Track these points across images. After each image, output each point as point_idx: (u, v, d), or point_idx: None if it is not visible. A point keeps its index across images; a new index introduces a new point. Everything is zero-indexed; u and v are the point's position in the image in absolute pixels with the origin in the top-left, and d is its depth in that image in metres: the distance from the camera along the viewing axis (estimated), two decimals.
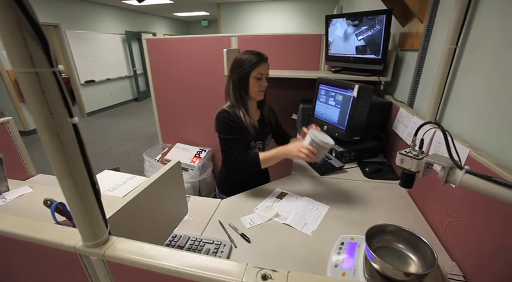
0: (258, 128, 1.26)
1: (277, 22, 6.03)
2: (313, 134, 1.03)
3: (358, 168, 1.42)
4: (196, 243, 0.90)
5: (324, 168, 1.38)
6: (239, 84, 1.17)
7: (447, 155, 0.60)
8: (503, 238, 0.65)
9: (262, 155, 1.14)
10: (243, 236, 0.94)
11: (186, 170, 2.50)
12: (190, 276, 0.43)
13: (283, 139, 1.44)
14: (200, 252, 0.86)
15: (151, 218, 0.72)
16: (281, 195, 1.19)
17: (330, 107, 1.56)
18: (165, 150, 2.73)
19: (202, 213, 1.09)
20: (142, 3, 6.14)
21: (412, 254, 0.75)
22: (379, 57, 1.56)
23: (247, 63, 1.13)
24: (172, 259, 0.45)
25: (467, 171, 0.55)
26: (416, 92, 1.35)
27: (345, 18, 1.71)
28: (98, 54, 6.09)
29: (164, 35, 8.61)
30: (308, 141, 1.05)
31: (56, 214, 0.75)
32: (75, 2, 5.40)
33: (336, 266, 0.78)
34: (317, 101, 1.68)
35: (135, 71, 7.34)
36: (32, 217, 0.57)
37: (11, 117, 1.42)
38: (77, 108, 5.87)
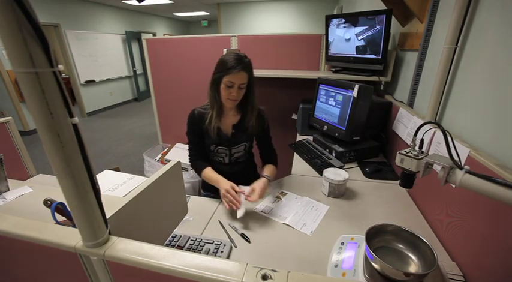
0: (225, 134, 1.20)
1: (277, 22, 6.03)
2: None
3: (358, 168, 1.42)
4: (196, 243, 0.90)
5: (324, 168, 1.38)
6: (213, 85, 1.11)
7: (447, 155, 0.60)
8: (503, 238, 0.65)
9: (206, 171, 1.17)
10: (243, 236, 0.94)
11: (186, 170, 2.50)
12: (190, 276, 0.43)
13: (264, 155, 1.31)
14: (200, 252, 0.86)
15: (151, 218, 0.72)
16: (281, 195, 1.19)
17: (330, 107, 1.56)
18: (165, 150, 2.73)
19: (202, 213, 1.09)
20: (142, 3, 6.14)
21: (412, 254, 0.75)
22: (379, 57, 1.56)
23: (222, 67, 1.07)
24: (172, 259, 0.45)
25: (467, 171, 0.55)
26: (416, 92, 1.35)
27: (344, 19, 1.71)
28: (98, 54, 6.09)
29: (164, 35, 8.60)
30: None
31: (56, 214, 0.75)
32: (75, 2, 5.40)
33: (336, 266, 0.78)
34: (317, 101, 1.68)
35: (135, 71, 7.34)
36: (32, 217, 0.57)
37: (11, 117, 1.42)
38: (77, 108, 5.87)
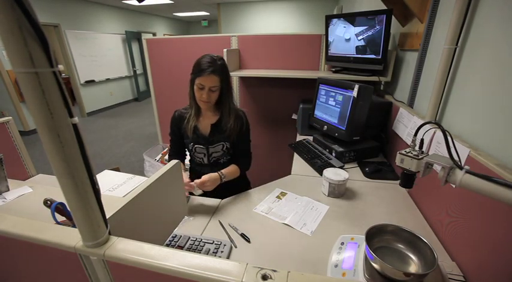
0: (202, 133, 1.22)
1: (277, 22, 6.03)
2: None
3: (358, 168, 1.42)
4: (196, 243, 0.90)
5: (324, 168, 1.38)
6: (190, 86, 1.16)
7: (447, 155, 0.60)
8: (504, 238, 0.65)
9: None
10: (243, 236, 0.94)
11: (186, 170, 2.50)
12: (190, 276, 0.43)
13: (236, 158, 1.30)
14: (200, 252, 0.86)
15: (152, 218, 0.72)
16: (281, 195, 1.19)
17: (330, 107, 1.56)
18: (165, 150, 2.73)
19: (202, 213, 1.09)
20: (142, 3, 6.14)
21: (412, 254, 0.75)
22: (379, 57, 1.56)
23: (195, 69, 1.11)
24: (172, 259, 0.45)
25: (467, 171, 0.55)
26: (416, 92, 1.35)
27: (344, 19, 1.71)
28: (98, 54, 6.09)
29: (164, 35, 8.60)
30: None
31: (56, 214, 0.75)
32: (75, 2, 5.40)
33: (336, 266, 0.78)
34: (317, 101, 1.68)
35: (135, 71, 7.34)
36: (32, 217, 0.57)
37: (11, 117, 1.42)
38: (77, 108, 5.87)
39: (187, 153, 1.34)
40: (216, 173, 1.16)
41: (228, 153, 1.29)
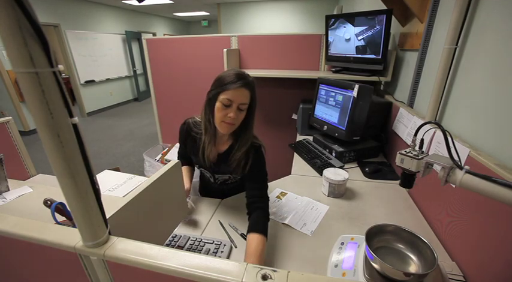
0: (210, 160, 1.03)
1: (277, 22, 6.03)
2: None
3: (358, 168, 1.42)
4: (196, 243, 0.90)
5: (324, 168, 1.38)
6: (208, 106, 0.94)
7: (447, 155, 0.60)
8: (503, 238, 0.65)
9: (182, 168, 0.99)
10: (243, 236, 0.94)
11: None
12: (190, 276, 0.43)
13: (250, 205, 0.95)
14: (200, 252, 0.86)
15: (151, 218, 0.72)
16: (281, 195, 1.19)
17: (330, 107, 1.56)
18: (165, 150, 2.73)
19: (202, 213, 1.09)
20: (142, 3, 6.14)
21: (412, 254, 0.75)
22: (379, 57, 1.56)
23: (218, 82, 0.90)
24: (172, 259, 0.45)
25: (467, 171, 0.55)
26: (416, 92, 1.35)
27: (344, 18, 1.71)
28: (98, 54, 6.08)
29: (164, 35, 8.60)
30: None
31: (56, 214, 0.75)
32: (75, 2, 5.39)
33: (336, 266, 0.78)
34: (317, 101, 1.68)
35: (135, 71, 7.33)
36: (32, 217, 0.57)
37: (11, 117, 1.42)
38: (77, 108, 5.86)
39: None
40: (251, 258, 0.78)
41: (236, 178, 1.15)
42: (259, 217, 0.90)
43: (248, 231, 0.86)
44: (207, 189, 1.30)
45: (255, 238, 0.83)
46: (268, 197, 0.99)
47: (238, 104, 0.88)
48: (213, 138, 0.98)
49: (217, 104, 0.89)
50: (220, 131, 0.95)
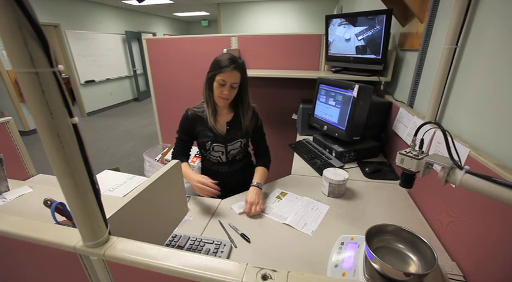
0: (220, 132, 1.23)
1: (277, 22, 6.03)
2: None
3: (358, 168, 1.42)
4: (196, 243, 0.90)
5: (324, 168, 1.38)
6: (207, 84, 1.16)
7: (447, 155, 0.60)
8: (503, 238, 0.65)
9: (182, 165, 1.12)
10: (243, 236, 0.94)
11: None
12: (190, 276, 0.43)
13: (258, 154, 1.36)
14: (200, 252, 0.86)
15: (151, 218, 0.72)
16: (281, 195, 1.19)
17: (330, 107, 1.56)
18: (165, 150, 2.73)
19: (202, 213, 1.09)
20: (142, 3, 6.14)
21: (412, 254, 0.75)
22: (379, 57, 1.56)
23: (215, 66, 1.11)
24: (172, 259, 0.45)
25: (467, 171, 0.55)
26: (416, 92, 1.35)
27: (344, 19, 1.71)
28: (97, 54, 6.08)
29: (164, 35, 8.60)
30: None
31: (56, 214, 0.75)
32: (75, 2, 5.39)
33: (336, 266, 0.78)
34: (317, 101, 1.68)
35: (135, 71, 7.33)
36: (32, 217, 0.57)
37: (11, 117, 1.42)
38: (77, 108, 5.86)
39: (199, 153, 1.34)
40: (253, 188, 1.14)
41: (244, 150, 1.32)
42: (265, 158, 1.34)
43: (256, 165, 1.30)
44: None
45: (260, 168, 1.27)
46: (268, 146, 1.39)
47: (231, 83, 1.11)
48: (214, 110, 1.20)
49: (215, 84, 1.12)
50: (219, 104, 1.18)
